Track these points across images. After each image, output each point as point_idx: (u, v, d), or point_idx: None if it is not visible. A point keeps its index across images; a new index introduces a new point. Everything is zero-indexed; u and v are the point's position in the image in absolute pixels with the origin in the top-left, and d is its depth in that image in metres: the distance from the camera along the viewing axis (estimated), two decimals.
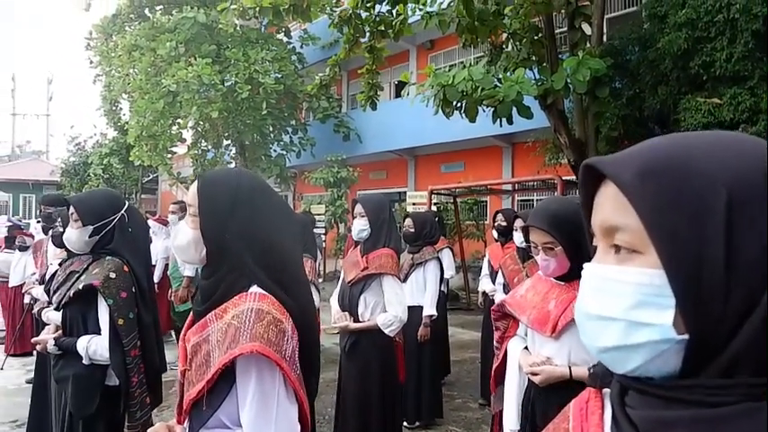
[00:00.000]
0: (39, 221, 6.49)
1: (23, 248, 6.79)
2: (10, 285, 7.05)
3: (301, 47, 16.25)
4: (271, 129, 15.60)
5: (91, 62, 18.96)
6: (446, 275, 5.63)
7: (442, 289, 5.45)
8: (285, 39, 16.21)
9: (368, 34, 8.54)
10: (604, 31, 7.91)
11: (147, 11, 16.94)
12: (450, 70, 6.24)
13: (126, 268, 2.41)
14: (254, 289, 1.44)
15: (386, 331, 3.23)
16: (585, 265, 0.69)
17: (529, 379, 2.16)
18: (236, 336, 1.36)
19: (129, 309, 2.36)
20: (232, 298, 1.43)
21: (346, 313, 3.35)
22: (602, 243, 0.68)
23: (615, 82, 7.55)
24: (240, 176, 1.55)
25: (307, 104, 16.15)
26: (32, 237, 6.83)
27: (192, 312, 1.55)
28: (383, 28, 8.26)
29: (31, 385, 4.12)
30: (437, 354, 5.14)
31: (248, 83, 13.70)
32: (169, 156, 17.14)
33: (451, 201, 11.74)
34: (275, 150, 16.29)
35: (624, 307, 0.62)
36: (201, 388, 1.39)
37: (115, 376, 2.34)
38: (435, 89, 5.93)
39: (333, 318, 3.46)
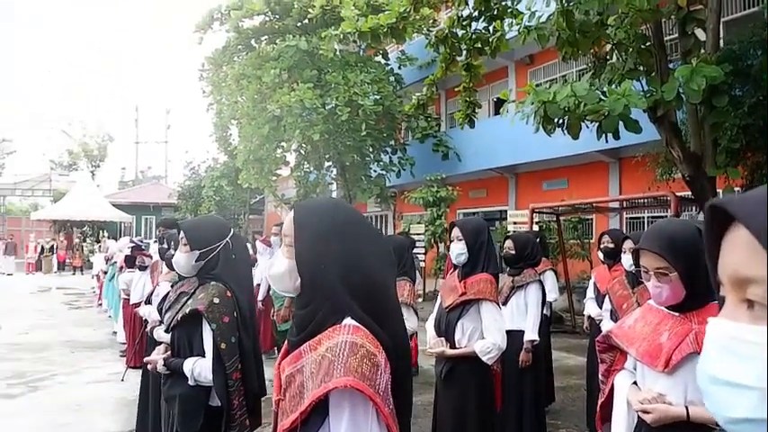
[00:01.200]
0: (155, 242, 6.92)
1: (143, 268, 7.27)
2: (131, 302, 7.58)
3: (399, 68, 16.47)
4: (370, 149, 15.85)
5: (203, 92, 20.23)
6: (549, 299, 5.41)
7: (545, 312, 5.24)
8: (383, 61, 16.51)
9: (464, 52, 8.47)
10: (721, 35, 7.35)
11: (253, 41, 17.87)
12: (551, 86, 6.04)
13: (229, 294, 2.49)
14: (348, 321, 1.42)
15: (483, 359, 3.12)
16: (711, 320, 0.59)
17: (639, 417, 1.99)
18: (330, 369, 1.34)
19: (231, 333, 2.43)
20: (326, 329, 1.42)
21: (442, 339, 3.27)
22: (732, 296, 0.58)
23: (735, 89, 6.97)
24: (335, 207, 1.55)
25: (405, 124, 16.30)
26: (151, 257, 7.31)
27: (286, 340, 1.55)
28: (480, 45, 8.16)
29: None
30: (539, 380, 4.92)
31: (348, 105, 14.04)
32: (274, 178, 17.88)
33: (554, 219, 11.34)
34: (375, 170, 16.53)
35: (760, 374, 0.52)
36: (295, 419, 1.38)
37: (218, 398, 2.42)
38: (536, 106, 5.75)
39: (428, 342, 3.40)
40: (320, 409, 1.36)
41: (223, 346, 2.38)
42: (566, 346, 8.84)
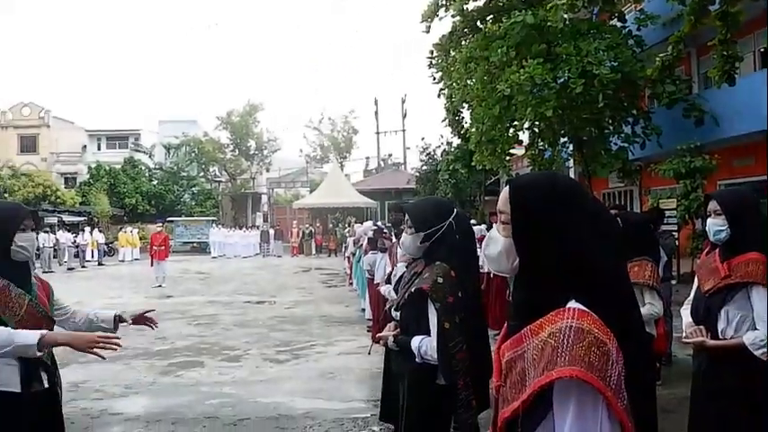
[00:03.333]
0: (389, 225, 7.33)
1: (383, 250, 7.77)
2: (375, 282, 8.15)
3: (638, 29, 14.95)
4: (609, 121, 14.74)
5: (434, 78, 20.80)
6: None
7: None
8: (619, 24, 15.16)
9: None
10: None
11: (478, 23, 17.82)
12: None
13: (453, 273, 2.48)
14: (573, 304, 1.27)
15: (756, 353, 2.64)
16: None
17: None
18: (554, 356, 1.22)
19: (456, 313, 2.42)
20: (548, 313, 1.29)
21: (701, 327, 2.85)
22: None
23: None
24: (554, 180, 1.40)
25: (649, 90, 14.80)
26: (390, 240, 7.76)
27: (506, 325, 1.45)
28: None
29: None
30: None
31: (582, 76, 13.20)
32: (508, 158, 17.68)
33: None
34: (615, 143, 15.33)
35: None
36: (516, 408, 1.29)
37: (442, 377, 2.43)
38: None
39: (684, 331, 3.00)
40: (544, 398, 1.24)
41: (447, 325, 2.38)
42: None
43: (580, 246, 1.30)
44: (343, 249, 20.71)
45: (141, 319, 2.83)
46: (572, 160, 17.96)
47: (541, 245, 1.33)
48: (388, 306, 4.32)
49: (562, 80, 13.73)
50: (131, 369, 7.21)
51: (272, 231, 32.70)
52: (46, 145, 44.01)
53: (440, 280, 2.44)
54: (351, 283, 14.53)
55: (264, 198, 44.07)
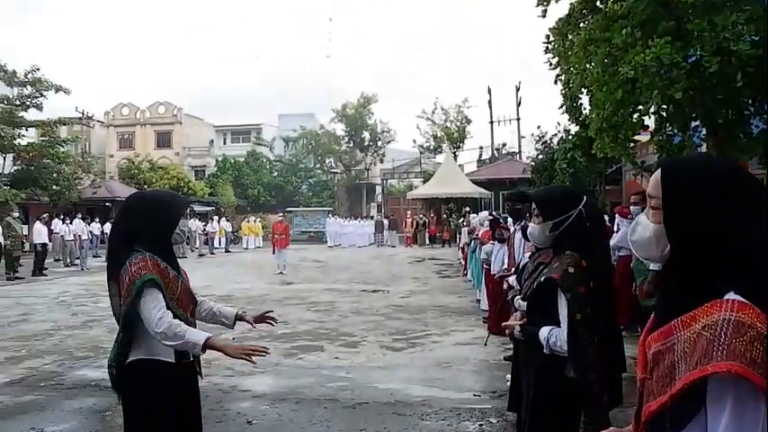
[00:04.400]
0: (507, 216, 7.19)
1: (501, 240, 7.64)
2: (491, 273, 8.04)
3: None
4: (749, 101, 13.48)
5: (550, 64, 20.06)
6: None
7: None
8: None
9: None
10: None
11: (598, 3, 16.92)
12: None
13: (584, 263, 2.39)
14: (731, 296, 1.18)
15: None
16: None
17: None
18: (709, 350, 1.14)
19: (587, 304, 2.33)
20: (702, 304, 1.21)
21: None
22: None
23: None
24: (710, 162, 1.32)
25: None
26: (508, 230, 7.62)
27: (652, 314, 1.38)
28: None
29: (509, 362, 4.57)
30: None
31: (717, 54, 12.11)
32: (631, 145, 16.70)
33: None
34: (756, 126, 14.01)
35: None
36: (663, 402, 1.22)
37: (572, 369, 2.35)
38: None
39: None
40: (695, 394, 1.17)
41: (578, 316, 2.30)
42: None
43: (740, 232, 1.21)
44: (458, 240, 20.62)
45: (261, 319, 3.02)
46: (705, 146, 16.64)
47: (697, 231, 1.25)
48: (510, 296, 4.27)
49: (693, 59, 12.71)
50: None
51: (386, 221, 33.27)
52: (178, 140, 47.65)
53: (571, 270, 2.36)
54: (465, 274, 14.46)
55: (378, 189, 44.87)
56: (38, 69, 25.08)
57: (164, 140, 47.72)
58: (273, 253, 17.95)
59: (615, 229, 7.76)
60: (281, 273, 17.14)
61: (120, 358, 2.63)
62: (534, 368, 2.46)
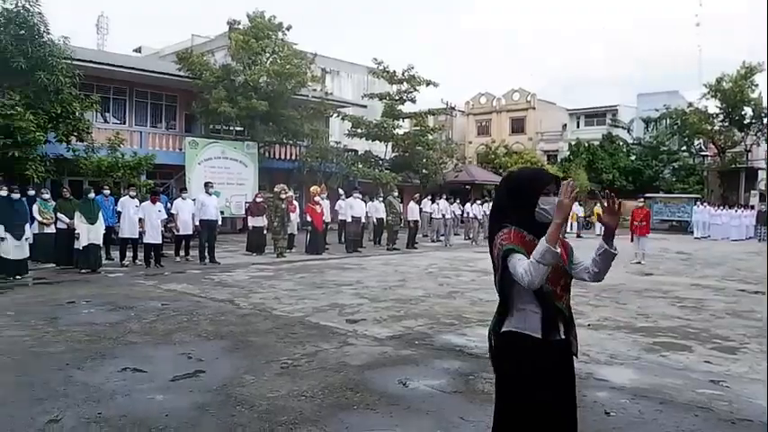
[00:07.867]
0: None
1: None
2: None
3: None
4: None
5: None
6: None
7: None
8: None
9: None
10: None
11: None
12: None
13: None
14: None
15: None
16: None
17: None
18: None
19: None
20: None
21: None
22: None
23: None
24: None
25: None
26: None
27: None
28: None
29: None
30: None
31: None
32: None
33: None
34: None
35: None
36: None
37: None
38: None
39: None
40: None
41: None
42: None
43: None
44: None
45: (611, 210, 2.68)
46: None
47: None
48: None
49: None
50: (614, 340, 7.28)
51: None
52: (532, 126, 48.77)
53: None
54: None
55: (762, 174, 38.02)
56: (412, 68, 28.54)
57: (518, 126, 49.54)
58: (632, 240, 16.85)
59: None
60: (638, 262, 16.02)
61: (497, 327, 2.75)
62: None
